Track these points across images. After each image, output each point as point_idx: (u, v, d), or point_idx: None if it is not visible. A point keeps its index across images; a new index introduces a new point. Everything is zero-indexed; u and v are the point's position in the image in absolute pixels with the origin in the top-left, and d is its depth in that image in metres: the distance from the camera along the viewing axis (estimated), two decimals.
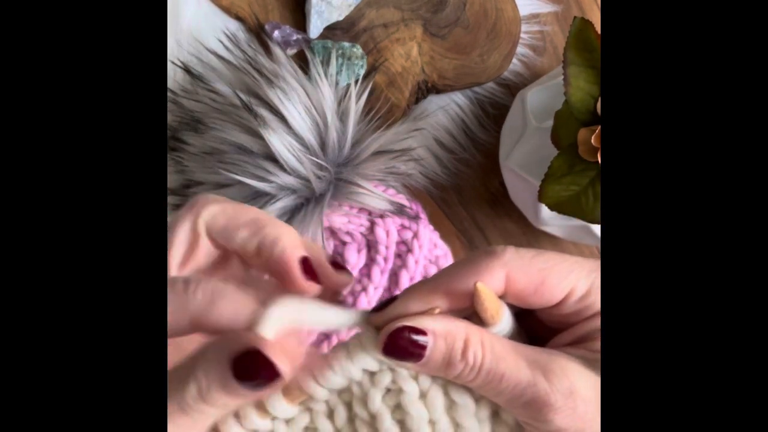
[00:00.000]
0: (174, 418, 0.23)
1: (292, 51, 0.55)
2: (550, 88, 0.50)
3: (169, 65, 0.53)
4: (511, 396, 0.24)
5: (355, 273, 0.53)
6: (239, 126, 0.48)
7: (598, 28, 0.40)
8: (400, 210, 0.52)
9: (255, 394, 0.24)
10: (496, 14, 0.57)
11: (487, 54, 0.57)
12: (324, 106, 0.49)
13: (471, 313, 0.26)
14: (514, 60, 0.58)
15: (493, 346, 0.25)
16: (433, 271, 0.54)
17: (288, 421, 0.26)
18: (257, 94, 0.48)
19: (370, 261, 0.54)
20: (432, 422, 0.26)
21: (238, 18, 0.56)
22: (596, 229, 0.49)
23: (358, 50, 0.55)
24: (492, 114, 0.59)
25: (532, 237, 0.59)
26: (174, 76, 0.54)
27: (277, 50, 0.50)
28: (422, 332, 0.25)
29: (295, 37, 0.55)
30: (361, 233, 0.53)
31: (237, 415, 0.26)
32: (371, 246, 0.54)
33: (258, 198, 0.48)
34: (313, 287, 0.28)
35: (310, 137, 0.48)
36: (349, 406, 0.27)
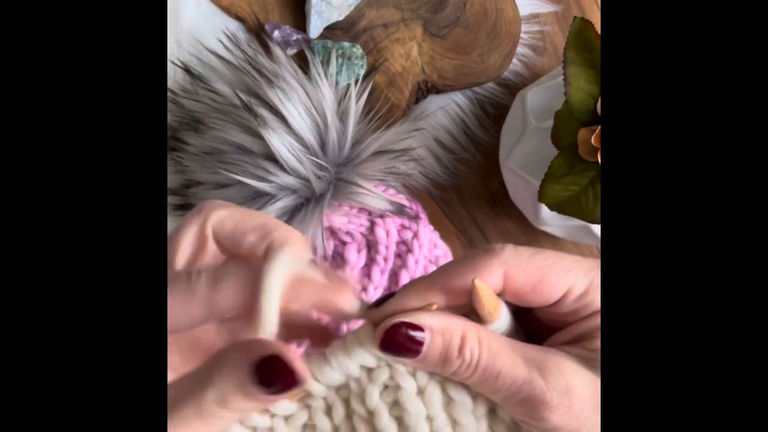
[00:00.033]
0: (191, 422, 0.24)
1: (292, 51, 0.55)
2: (550, 88, 0.50)
3: (169, 65, 0.53)
4: (507, 393, 0.24)
5: (355, 273, 0.53)
6: (239, 126, 0.48)
7: (598, 28, 0.40)
8: (400, 210, 0.52)
9: (274, 398, 0.24)
10: (496, 14, 0.57)
11: (487, 54, 0.57)
12: (324, 106, 0.49)
13: (469, 310, 0.26)
14: (514, 60, 0.58)
15: (490, 344, 0.25)
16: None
17: (287, 418, 0.26)
18: (257, 94, 0.48)
19: (370, 261, 0.54)
20: (429, 419, 0.26)
21: (238, 18, 0.56)
22: (596, 229, 0.49)
23: (358, 50, 0.55)
24: (492, 114, 0.59)
25: (532, 237, 0.59)
26: (174, 76, 0.54)
27: (277, 50, 0.50)
28: (419, 328, 0.25)
29: (295, 37, 0.55)
30: (361, 233, 0.53)
31: None
32: (371, 246, 0.54)
33: (258, 198, 0.48)
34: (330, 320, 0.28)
35: (310, 137, 0.48)
36: (347, 403, 0.27)
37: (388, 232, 0.53)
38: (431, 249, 0.54)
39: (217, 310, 0.25)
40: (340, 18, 0.55)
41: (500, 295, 0.26)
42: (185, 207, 0.52)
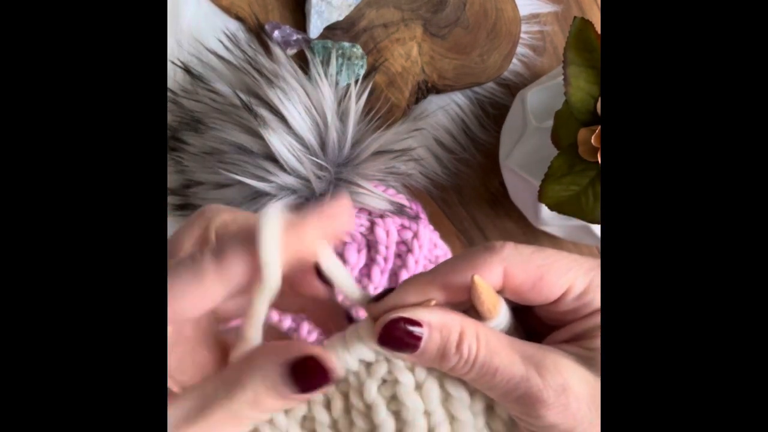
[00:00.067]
0: (223, 426, 0.24)
1: (292, 51, 0.55)
2: (550, 88, 0.50)
3: (169, 65, 0.53)
4: (504, 390, 0.25)
5: (355, 273, 0.53)
6: (239, 126, 0.48)
7: (598, 28, 0.40)
8: (400, 210, 0.52)
9: (306, 397, 0.25)
10: (496, 14, 0.57)
11: (487, 54, 0.57)
12: (324, 106, 0.49)
13: (469, 307, 0.26)
14: (514, 60, 0.58)
15: (488, 340, 0.25)
16: None
17: (286, 411, 0.27)
18: (257, 94, 0.48)
19: (370, 261, 0.54)
20: (427, 414, 0.26)
21: (238, 18, 0.56)
22: (596, 229, 0.49)
23: (358, 50, 0.55)
24: (492, 114, 0.59)
25: (532, 237, 0.59)
26: (174, 76, 0.54)
27: (277, 50, 0.50)
28: (418, 324, 0.25)
29: (295, 37, 0.55)
30: (361, 233, 0.53)
31: None
32: (371, 246, 0.54)
33: (258, 198, 0.48)
34: (327, 291, 0.29)
35: (310, 137, 0.48)
36: (345, 396, 0.27)
37: (388, 232, 0.53)
38: (431, 249, 0.54)
39: (228, 281, 0.25)
40: (340, 18, 0.55)
41: (500, 292, 0.26)
42: (185, 207, 0.52)
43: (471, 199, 0.59)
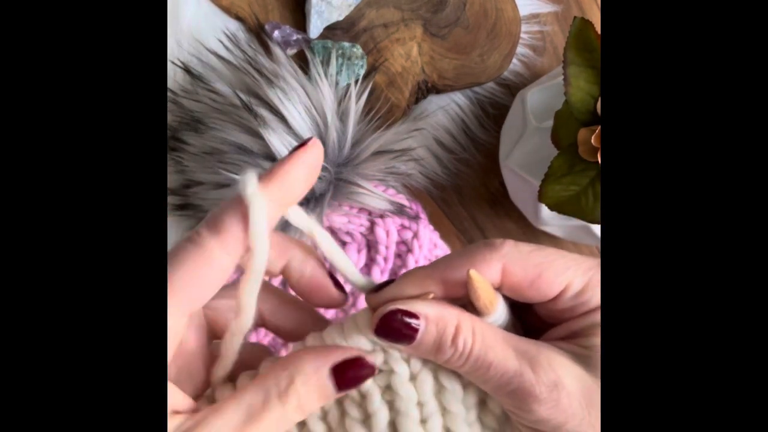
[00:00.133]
0: (273, 428, 0.25)
1: (292, 51, 0.55)
2: (550, 88, 0.50)
3: (169, 65, 0.53)
4: (497, 384, 0.25)
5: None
6: (239, 126, 0.48)
7: (598, 28, 0.40)
8: (400, 210, 0.52)
9: (343, 394, 0.26)
10: (496, 14, 0.57)
11: (487, 54, 0.57)
12: (324, 106, 0.49)
13: (467, 302, 0.26)
14: (514, 60, 0.58)
15: (483, 335, 0.25)
16: None
17: None
18: (257, 94, 0.48)
19: (370, 261, 0.54)
20: (420, 404, 0.27)
21: (238, 18, 0.56)
22: (596, 229, 0.49)
23: (358, 50, 0.55)
24: (492, 114, 0.59)
25: (532, 237, 0.59)
26: (174, 76, 0.54)
27: (277, 50, 0.50)
28: (415, 316, 0.25)
29: (295, 37, 0.55)
30: (361, 233, 0.53)
31: None
32: (371, 246, 0.54)
33: None
34: (343, 297, 0.30)
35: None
36: None
37: (388, 232, 0.53)
38: (431, 249, 0.54)
39: (233, 250, 0.25)
40: (340, 18, 0.55)
41: (498, 289, 0.26)
42: (185, 207, 0.52)
43: (471, 199, 0.59)
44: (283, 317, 0.30)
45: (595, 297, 0.26)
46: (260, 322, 0.30)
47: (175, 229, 0.54)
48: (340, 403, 0.27)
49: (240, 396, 0.25)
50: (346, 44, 0.55)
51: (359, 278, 0.29)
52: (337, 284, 0.29)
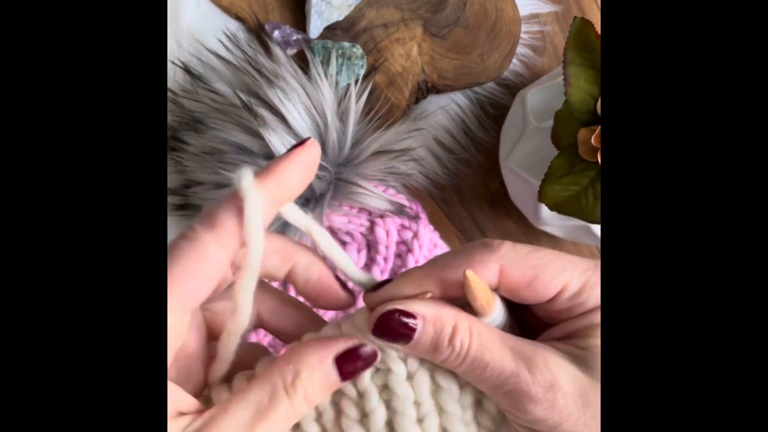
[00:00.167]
0: (282, 425, 0.25)
1: (292, 51, 0.55)
2: (550, 88, 0.50)
3: (169, 65, 0.53)
4: (494, 384, 0.25)
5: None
6: (239, 126, 0.48)
7: (598, 28, 0.40)
8: (400, 210, 0.52)
9: (346, 383, 0.26)
10: (496, 14, 0.57)
11: (487, 54, 0.57)
12: (324, 106, 0.49)
13: (465, 302, 0.26)
14: (514, 60, 0.58)
15: (480, 335, 0.25)
16: None
17: None
18: (257, 94, 0.48)
19: (370, 261, 0.54)
20: (417, 404, 0.27)
21: (238, 18, 0.56)
22: (596, 229, 0.49)
23: (358, 50, 0.55)
24: (492, 114, 0.59)
25: (532, 237, 0.59)
26: (174, 76, 0.54)
27: (277, 50, 0.50)
28: (412, 316, 0.25)
29: (295, 37, 0.55)
30: (361, 233, 0.53)
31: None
32: (371, 246, 0.54)
33: None
34: (350, 298, 0.30)
35: (310, 137, 0.48)
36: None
37: (388, 232, 0.53)
38: (431, 249, 0.54)
39: (228, 244, 0.25)
40: (340, 18, 0.55)
41: (496, 289, 0.26)
42: (185, 207, 0.52)
43: (471, 199, 0.59)
44: (282, 318, 0.30)
45: (591, 298, 0.26)
46: (259, 324, 0.30)
47: (175, 229, 0.54)
48: (336, 403, 0.27)
49: (247, 393, 0.25)
50: (346, 44, 0.55)
51: (359, 275, 0.29)
52: (344, 285, 0.29)
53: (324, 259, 0.30)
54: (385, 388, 0.27)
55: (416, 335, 0.25)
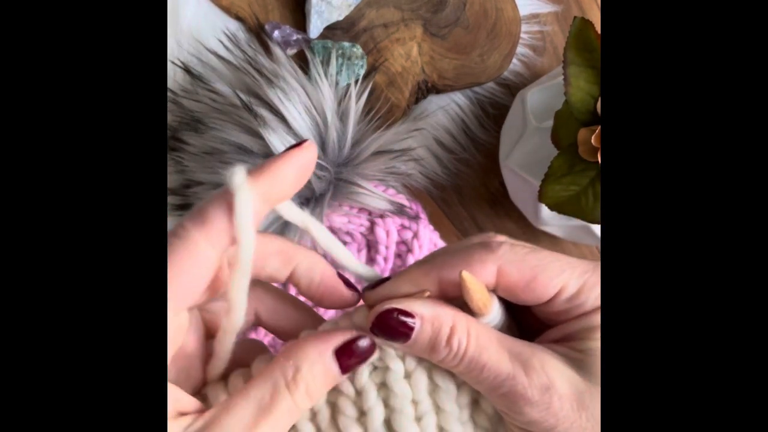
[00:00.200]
0: (284, 421, 0.25)
1: (292, 51, 0.55)
2: (550, 88, 0.50)
3: (169, 65, 0.53)
4: (490, 386, 0.25)
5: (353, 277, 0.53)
6: (239, 126, 0.48)
7: (598, 28, 0.40)
8: (400, 210, 0.52)
9: (346, 376, 0.26)
10: (496, 14, 0.57)
11: (487, 54, 0.57)
12: (324, 106, 0.49)
13: (463, 302, 0.26)
14: (514, 60, 0.58)
15: (478, 336, 0.25)
16: None
17: None
18: (257, 94, 0.48)
19: (370, 261, 0.54)
20: (415, 402, 0.27)
21: (238, 18, 0.56)
22: (596, 229, 0.49)
23: (358, 50, 0.55)
24: (492, 114, 0.59)
25: (532, 237, 0.59)
26: (174, 76, 0.54)
27: (277, 50, 0.50)
28: (411, 315, 0.26)
29: (295, 37, 0.55)
30: (361, 233, 0.53)
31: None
32: (371, 246, 0.54)
33: None
34: (355, 296, 0.30)
35: (309, 137, 0.48)
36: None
37: (388, 232, 0.53)
38: (431, 249, 0.54)
39: (218, 242, 0.25)
40: (340, 18, 0.55)
41: (494, 290, 0.26)
42: (185, 207, 0.52)
43: (471, 199, 0.59)
44: (280, 317, 0.30)
45: (590, 300, 0.26)
46: (257, 322, 0.30)
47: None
48: (331, 402, 0.27)
49: (248, 391, 0.25)
50: (346, 44, 0.55)
51: (361, 268, 0.29)
52: (348, 283, 0.29)
53: (325, 257, 0.30)
54: (383, 386, 0.27)
55: (414, 334, 0.25)
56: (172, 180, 0.53)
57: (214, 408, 0.25)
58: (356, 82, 0.52)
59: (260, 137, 0.47)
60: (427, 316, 0.25)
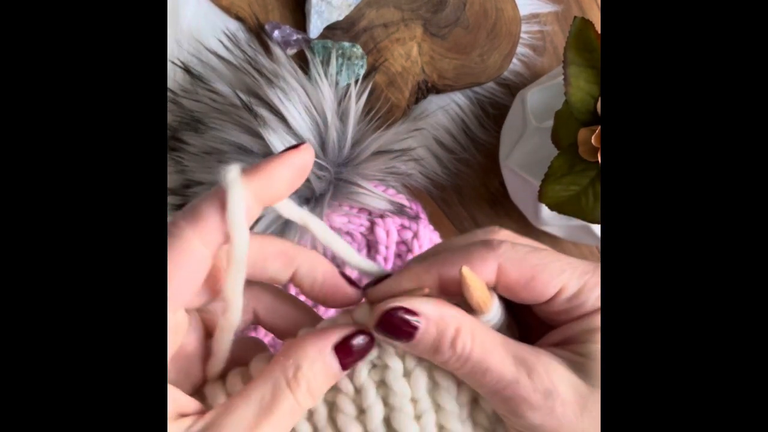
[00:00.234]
0: (286, 420, 0.25)
1: (292, 51, 0.55)
2: (550, 88, 0.50)
3: (169, 65, 0.53)
4: (493, 389, 0.25)
5: (355, 273, 0.53)
6: (239, 126, 0.48)
7: (598, 28, 0.40)
8: (400, 210, 0.52)
9: (346, 372, 0.26)
10: (496, 14, 0.57)
11: (487, 54, 0.57)
12: (324, 106, 0.49)
13: (463, 299, 0.26)
14: (514, 60, 0.58)
15: (482, 339, 0.25)
16: None
17: None
18: (257, 94, 0.48)
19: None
20: (414, 401, 0.27)
21: (238, 18, 0.56)
22: (596, 229, 0.49)
23: (358, 50, 0.55)
24: (492, 114, 0.59)
25: (532, 237, 0.59)
26: (174, 76, 0.54)
27: (277, 50, 0.50)
28: (416, 314, 0.25)
29: (295, 37, 0.55)
30: (361, 233, 0.53)
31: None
32: (371, 246, 0.54)
33: None
34: (359, 294, 0.29)
35: (310, 137, 0.48)
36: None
37: (388, 232, 0.53)
38: None
39: (211, 240, 0.25)
40: (340, 18, 0.55)
41: (494, 288, 0.26)
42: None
43: (471, 199, 0.59)
44: (278, 315, 0.30)
45: (590, 300, 0.26)
46: (256, 321, 0.30)
47: None
48: (329, 401, 0.27)
49: (249, 391, 0.25)
50: (346, 44, 0.55)
51: (363, 263, 0.29)
52: (350, 281, 0.29)
53: (325, 253, 0.29)
54: (382, 384, 0.27)
55: (418, 334, 0.25)
56: (172, 180, 0.53)
57: (214, 409, 0.25)
58: (356, 82, 0.52)
59: (260, 137, 0.47)
60: (433, 316, 0.25)
